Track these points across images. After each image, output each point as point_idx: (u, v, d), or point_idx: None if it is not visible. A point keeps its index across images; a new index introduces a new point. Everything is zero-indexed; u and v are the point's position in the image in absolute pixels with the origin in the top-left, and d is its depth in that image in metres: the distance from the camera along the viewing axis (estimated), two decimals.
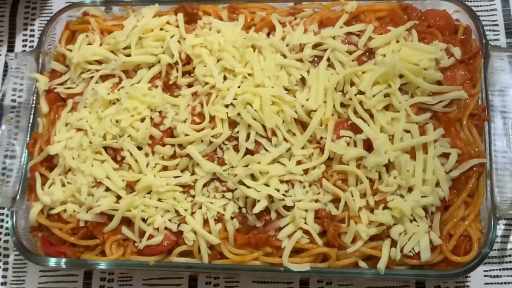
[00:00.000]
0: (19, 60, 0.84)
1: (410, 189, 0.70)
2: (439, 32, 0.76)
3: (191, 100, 0.77)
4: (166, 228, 0.73)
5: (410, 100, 0.72)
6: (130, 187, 0.76)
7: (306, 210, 0.71)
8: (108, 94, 0.78)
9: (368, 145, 0.72)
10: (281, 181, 0.72)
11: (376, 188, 0.71)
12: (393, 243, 0.70)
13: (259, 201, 0.71)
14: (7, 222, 0.84)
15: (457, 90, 0.73)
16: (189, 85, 0.78)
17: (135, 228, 0.74)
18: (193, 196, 0.74)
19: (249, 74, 0.76)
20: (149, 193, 0.75)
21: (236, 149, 0.74)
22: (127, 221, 0.75)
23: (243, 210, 0.73)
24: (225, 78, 0.77)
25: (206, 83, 0.76)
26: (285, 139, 0.73)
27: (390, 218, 0.69)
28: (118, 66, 0.80)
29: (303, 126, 0.74)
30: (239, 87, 0.75)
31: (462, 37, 0.77)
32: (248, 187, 0.71)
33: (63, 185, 0.77)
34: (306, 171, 0.72)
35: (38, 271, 0.85)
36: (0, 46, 0.97)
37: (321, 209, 0.71)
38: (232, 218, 0.72)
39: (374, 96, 0.72)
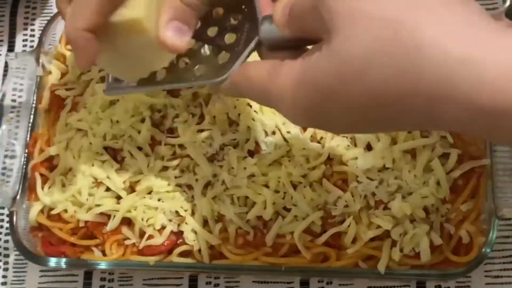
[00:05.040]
0: (19, 60, 0.83)
1: (410, 190, 0.70)
2: None
3: (191, 101, 0.77)
4: (166, 228, 0.73)
5: None
6: (131, 187, 0.76)
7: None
8: None
9: (370, 145, 0.72)
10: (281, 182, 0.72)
11: (377, 188, 0.71)
12: (394, 243, 0.70)
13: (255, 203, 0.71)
14: (7, 222, 0.83)
15: None
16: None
17: (135, 228, 0.74)
18: (193, 197, 0.74)
19: None
20: (149, 193, 0.75)
21: (237, 149, 0.74)
22: (127, 221, 0.75)
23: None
24: None
25: None
26: (285, 140, 0.73)
27: (390, 222, 0.69)
28: None
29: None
30: None
31: None
32: (248, 188, 0.72)
33: (64, 185, 0.77)
34: (306, 172, 0.72)
35: (38, 271, 0.85)
36: (0, 46, 0.97)
37: (321, 209, 0.71)
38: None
39: None
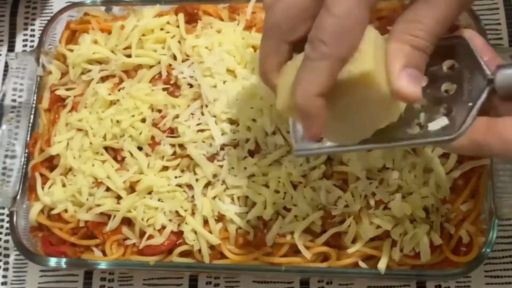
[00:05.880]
0: (19, 60, 0.83)
1: (410, 190, 0.70)
2: None
3: (191, 100, 0.77)
4: (166, 228, 0.73)
5: None
6: (131, 187, 0.76)
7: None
8: (109, 94, 0.78)
9: None
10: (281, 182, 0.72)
11: (377, 188, 0.71)
12: (394, 243, 0.70)
13: (255, 203, 0.71)
14: (7, 222, 0.84)
15: None
16: (190, 85, 0.78)
17: (135, 228, 0.74)
18: (193, 197, 0.74)
19: None
20: (149, 193, 0.75)
21: (237, 149, 0.74)
22: (127, 221, 0.75)
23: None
24: None
25: None
26: (285, 140, 0.73)
27: (390, 222, 0.69)
28: (118, 67, 0.79)
29: None
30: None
31: None
32: (248, 188, 0.72)
33: (64, 185, 0.77)
34: (306, 172, 0.72)
35: (38, 271, 0.85)
36: (0, 46, 0.97)
37: (321, 209, 0.71)
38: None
39: None
